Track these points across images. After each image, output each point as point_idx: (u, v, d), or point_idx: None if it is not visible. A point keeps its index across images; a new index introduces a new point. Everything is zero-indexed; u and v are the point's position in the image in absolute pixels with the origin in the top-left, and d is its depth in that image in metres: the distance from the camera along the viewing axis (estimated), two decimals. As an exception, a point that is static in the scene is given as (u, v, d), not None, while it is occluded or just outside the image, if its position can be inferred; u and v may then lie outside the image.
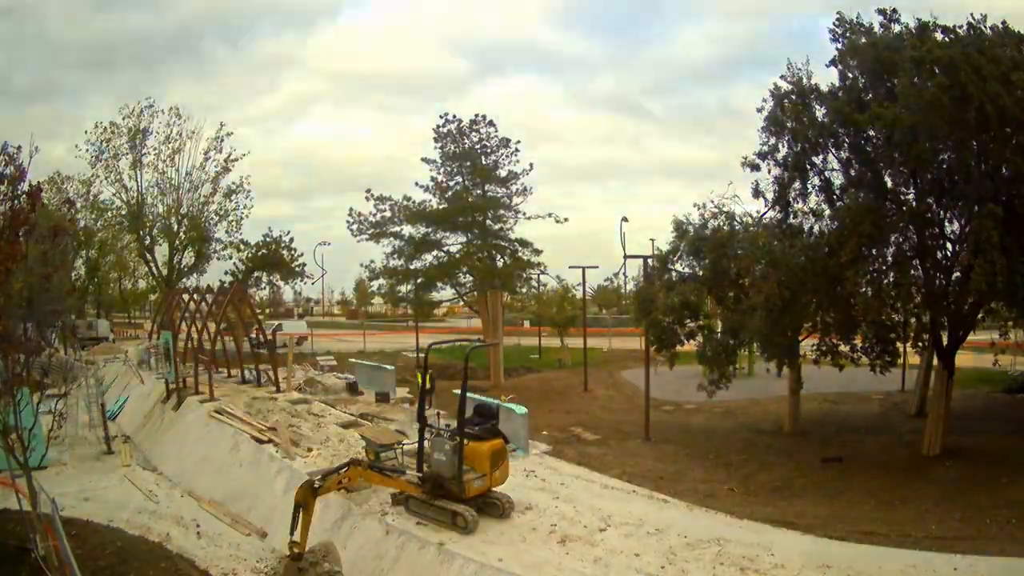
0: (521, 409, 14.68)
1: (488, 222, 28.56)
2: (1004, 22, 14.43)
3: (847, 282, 14.54)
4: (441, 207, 28.37)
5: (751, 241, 16.71)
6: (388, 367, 22.50)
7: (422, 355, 13.45)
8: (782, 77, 16.63)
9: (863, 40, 15.46)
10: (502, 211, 28.77)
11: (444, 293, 31.58)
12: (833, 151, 16.28)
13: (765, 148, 16.99)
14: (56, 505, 9.49)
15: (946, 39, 14.29)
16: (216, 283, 30.08)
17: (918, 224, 15.44)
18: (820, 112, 16.06)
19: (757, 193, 17.32)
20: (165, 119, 35.81)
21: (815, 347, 17.52)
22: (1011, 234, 13.34)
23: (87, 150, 35.68)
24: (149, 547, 10.38)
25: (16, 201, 8.78)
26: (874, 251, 15.53)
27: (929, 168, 14.91)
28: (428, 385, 11.02)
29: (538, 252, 29.24)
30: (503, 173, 28.56)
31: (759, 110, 16.94)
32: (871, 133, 15.20)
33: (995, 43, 13.95)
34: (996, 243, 12.83)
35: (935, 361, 16.77)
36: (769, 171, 17.10)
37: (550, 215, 29.19)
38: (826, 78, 16.41)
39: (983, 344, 19.81)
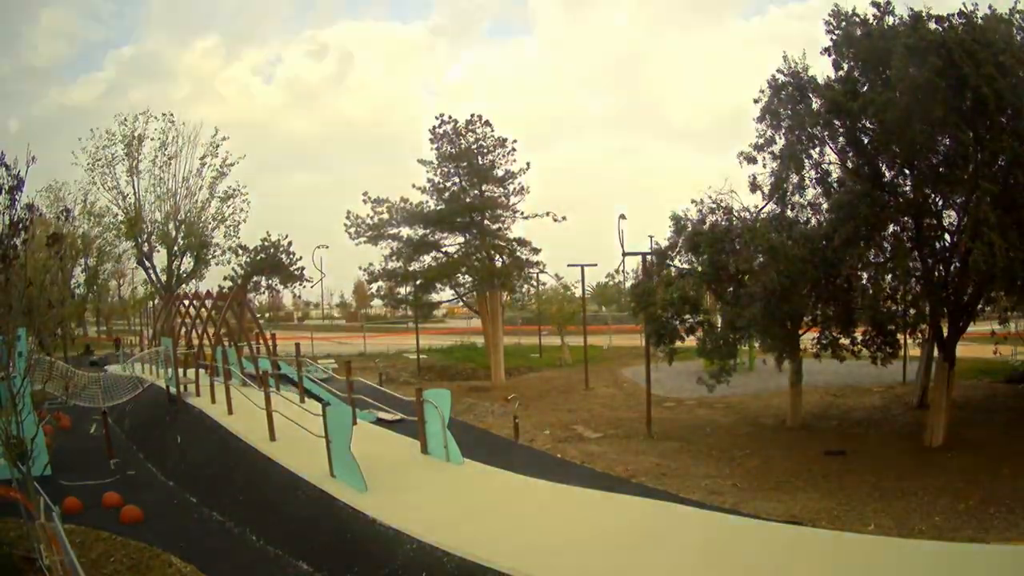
0: None
1: (486, 222, 28.56)
2: (991, 7, 14.54)
3: (844, 265, 14.53)
4: (438, 208, 28.36)
5: (749, 233, 16.73)
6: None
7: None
8: (779, 70, 16.69)
9: (858, 32, 15.50)
10: (500, 211, 28.79)
11: (444, 294, 31.61)
12: (829, 143, 16.31)
13: (762, 140, 17.04)
14: (59, 514, 9.45)
15: (939, 28, 14.32)
16: (215, 288, 29.98)
17: (915, 214, 15.45)
18: (816, 104, 16.09)
19: (754, 187, 17.37)
20: (160, 124, 35.74)
21: (816, 340, 17.51)
22: (1009, 219, 13.33)
23: (84, 157, 35.54)
24: (154, 555, 10.35)
25: (14, 211, 8.74)
26: (872, 239, 15.54)
27: (924, 155, 14.93)
28: None
29: (537, 251, 29.29)
30: (500, 173, 28.57)
31: (756, 101, 17.02)
32: (867, 124, 15.23)
33: (987, 29, 13.98)
34: (994, 224, 12.81)
35: (936, 352, 16.78)
36: (765, 164, 17.17)
37: (548, 213, 29.22)
38: (824, 71, 16.44)
39: (984, 334, 19.87)
